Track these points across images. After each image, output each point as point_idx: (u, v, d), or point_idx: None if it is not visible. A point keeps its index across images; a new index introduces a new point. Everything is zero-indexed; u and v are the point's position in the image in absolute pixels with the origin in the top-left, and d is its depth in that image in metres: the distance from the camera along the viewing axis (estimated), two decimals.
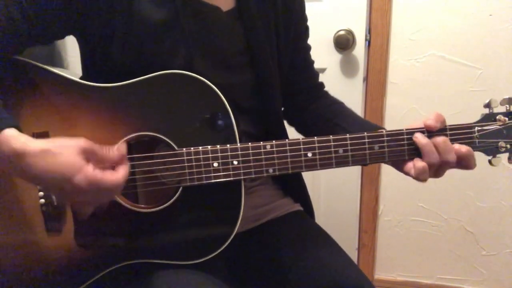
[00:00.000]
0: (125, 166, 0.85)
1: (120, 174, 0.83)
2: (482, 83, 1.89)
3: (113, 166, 0.85)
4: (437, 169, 0.96)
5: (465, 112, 1.90)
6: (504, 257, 2.09)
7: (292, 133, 1.23)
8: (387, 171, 2.12)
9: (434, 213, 2.11)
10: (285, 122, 1.26)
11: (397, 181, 2.11)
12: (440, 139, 0.94)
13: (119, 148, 0.87)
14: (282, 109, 1.30)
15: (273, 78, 1.12)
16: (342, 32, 1.90)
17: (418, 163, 0.94)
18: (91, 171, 0.79)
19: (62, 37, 1.01)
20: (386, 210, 2.18)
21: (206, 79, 0.94)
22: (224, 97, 0.94)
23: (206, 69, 1.01)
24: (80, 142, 0.81)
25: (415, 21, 1.91)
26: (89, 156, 0.81)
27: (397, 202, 2.15)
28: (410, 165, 0.96)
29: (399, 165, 1.00)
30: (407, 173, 0.98)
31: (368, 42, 1.96)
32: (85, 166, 0.79)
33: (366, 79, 2.01)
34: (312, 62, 1.28)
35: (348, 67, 1.97)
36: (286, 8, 1.13)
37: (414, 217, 2.15)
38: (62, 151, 0.79)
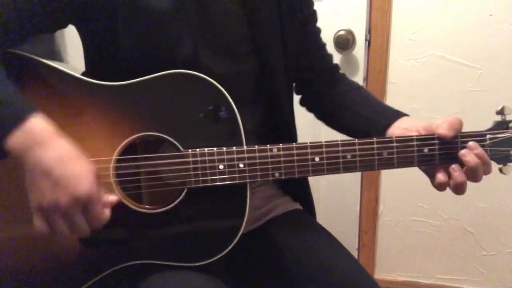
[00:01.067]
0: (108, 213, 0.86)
1: (107, 213, 0.85)
2: (482, 83, 1.89)
3: None
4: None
5: (465, 112, 1.90)
6: (504, 257, 2.09)
7: (300, 127, 1.23)
8: (387, 171, 2.12)
9: (434, 213, 2.12)
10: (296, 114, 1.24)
11: (397, 181, 2.11)
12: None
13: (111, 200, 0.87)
14: (300, 97, 1.29)
15: (277, 66, 1.11)
16: (342, 32, 1.90)
17: (458, 178, 0.95)
18: (96, 190, 0.80)
19: (65, 26, 1.00)
20: (386, 210, 2.18)
21: (211, 69, 0.93)
22: (230, 88, 0.93)
23: (211, 59, 1.00)
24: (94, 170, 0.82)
25: (415, 21, 1.90)
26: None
27: (397, 202, 2.15)
28: (440, 177, 0.96)
29: (431, 174, 1.00)
30: (441, 184, 0.98)
31: (368, 42, 1.96)
32: (94, 185, 0.80)
33: (366, 79, 2.01)
34: (324, 44, 1.27)
35: (348, 67, 1.97)
36: None
37: (414, 217, 2.15)
38: (84, 165, 0.81)
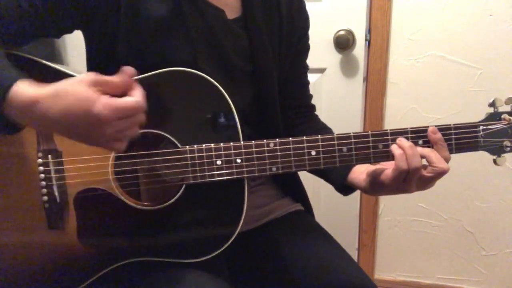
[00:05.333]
0: (137, 87, 0.82)
1: (137, 94, 0.80)
2: (482, 83, 1.89)
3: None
4: (405, 178, 0.96)
5: (465, 112, 1.90)
6: (504, 257, 2.09)
7: None
8: None
9: (434, 213, 2.12)
10: None
11: None
12: (406, 144, 0.94)
13: (126, 72, 0.83)
14: None
15: (274, 87, 1.12)
16: (342, 32, 1.90)
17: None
18: (107, 99, 0.76)
19: (70, 31, 1.01)
20: (386, 210, 2.18)
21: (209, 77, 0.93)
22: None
23: (209, 68, 1.01)
24: (88, 76, 0.78)
25: (415, 21, 1.91)
26: (100, 87, 0.78)
27: (397, 202, 2.15)
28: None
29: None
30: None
31: (368, 42, 1.96)
32: (100, 96, 0.76)
33: (366, 79, 2.01)
34: (308, 82, 1.29)
35: (348, 67, 1.96)
36: (292, 24, 1.14)
37: (414, 217, 2.15)
38: (73, 88, 0.76)
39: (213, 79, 0.94)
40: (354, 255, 2.22)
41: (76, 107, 0.75)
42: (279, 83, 1.16)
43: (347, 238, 2.18)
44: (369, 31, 1.95)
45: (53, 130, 0.82)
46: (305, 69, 1.27)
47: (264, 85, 1.10)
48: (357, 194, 2.12)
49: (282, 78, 1.17)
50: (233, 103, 0.96)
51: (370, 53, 1.98)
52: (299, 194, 1.29)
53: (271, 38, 1.10)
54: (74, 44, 1.02)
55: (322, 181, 2.08)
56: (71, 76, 0.93)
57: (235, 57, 1.07)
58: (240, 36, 1.07)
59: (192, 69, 0.94)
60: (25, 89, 0.77)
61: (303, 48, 1.23)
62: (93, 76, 0.78)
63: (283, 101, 1.21)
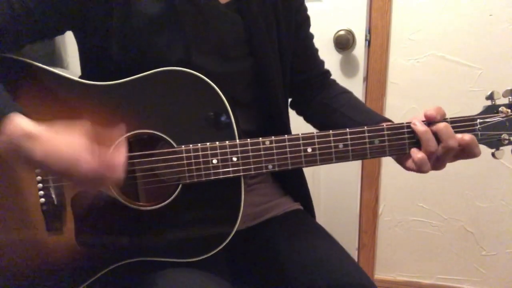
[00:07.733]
0: (124, 148, 0.84)
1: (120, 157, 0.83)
2: (482, 83, 1.89)
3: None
4: (439, 158, 0.93)
5: (465, 112, 1.86)
6: (504, 257, 2.09)
7: (296, 127, 1.22)
8: (387, 171, 2.12)
9: (434, 213, 2.11)
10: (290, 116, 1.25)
11: (397, 181, 2.11)
12: (441, 125, 0.91)
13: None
14: (290, 100, 1.29)
15: (273, 68, 1.11)
16: (342, 32, 1.90)
17: (416, 155, 0.92)
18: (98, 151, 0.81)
19: (63, 32, 1.01)
20: (386, 210, 2.18)
21: (205, 72, 0.93)
22: (224, 89, 0.94)
23: (205, 62, 1.01)
24: (84, 126, 0.82)
25: (415, 21, 1.90)
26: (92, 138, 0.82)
27: (397, 202, 2.15)
28: (411, 160, 0.95)
29: (402, 162, 0.99)
30: (409, 168, 0.96)
31: (368, 42, 1.96)
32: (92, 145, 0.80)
33: (366, 79, 2.01)
34: (316, 50, 1.28)
35: (348, 67, 1.96)
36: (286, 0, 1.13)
37: (414, 217, 2.15)
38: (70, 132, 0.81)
39: (210, 70, 0.94)
40: (354, 255, 2.22)
41: (70, 147, 0.80)
42: (285, 60, 1.15)
43: (347, 238, 2.18)
44: (369, 31, 1.95)
45: (36, 162, 0.81)
46: (310, 39, 1.26)
47: (262, 62, 1.09)
48: (357, 194, 2.14)
49: (289, 54, 1.16)
50: (232, 87, 0.97)
51: (370, 53, 1.98)
52: (300, 193, 1.28)
53: (265, 16, 1.09)
54: (74, 44, 1.02)
55: (322, 181, 2.11)
56: (64, 77, 0.94)
57: (231, 42, 1.06)
58: (235, 20, 1.06)
59: (186, 66, 0.94)
60: (26, 121, 0.80)
61: (303, 19, 1.22)
62: (88, 128, 0.83)
63: (296, 77, 1.21)
